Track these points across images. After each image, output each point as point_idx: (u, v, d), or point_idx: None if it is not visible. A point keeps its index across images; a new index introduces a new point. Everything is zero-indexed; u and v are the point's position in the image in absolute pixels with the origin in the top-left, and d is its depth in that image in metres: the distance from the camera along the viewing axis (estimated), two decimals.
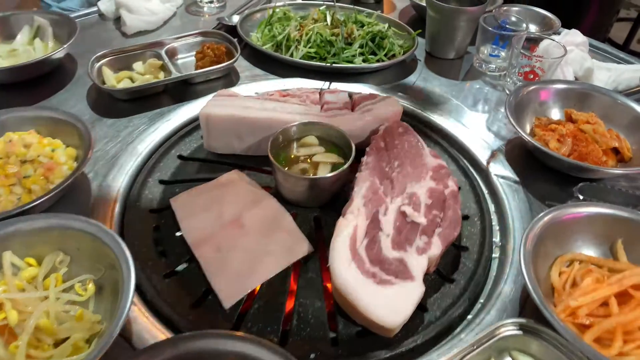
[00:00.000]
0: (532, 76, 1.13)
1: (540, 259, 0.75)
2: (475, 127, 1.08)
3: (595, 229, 0.79)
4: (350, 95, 1.04)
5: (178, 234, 0.81)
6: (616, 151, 0.98)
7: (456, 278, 0.79)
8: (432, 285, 0.77)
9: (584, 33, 2.62)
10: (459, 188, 0.94)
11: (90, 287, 0.70)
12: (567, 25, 2.56)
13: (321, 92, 1.03)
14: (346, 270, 0.69)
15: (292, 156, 0.87)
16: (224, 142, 0.94)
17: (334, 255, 0.71)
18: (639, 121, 1.00)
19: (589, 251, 0.79)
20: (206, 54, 1.19)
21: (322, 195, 0.85)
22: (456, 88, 1.21)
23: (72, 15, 1.43)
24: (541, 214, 0.76)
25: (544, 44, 1.18)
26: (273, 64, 1.25)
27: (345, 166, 0.82)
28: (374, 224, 0.76)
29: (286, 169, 0.83)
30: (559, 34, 1.43)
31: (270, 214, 0.82)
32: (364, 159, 0.85)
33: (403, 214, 0.78)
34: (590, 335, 0.65)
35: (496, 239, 0.86)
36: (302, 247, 0.77)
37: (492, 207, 0.91)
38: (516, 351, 0.66)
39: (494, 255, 0.83)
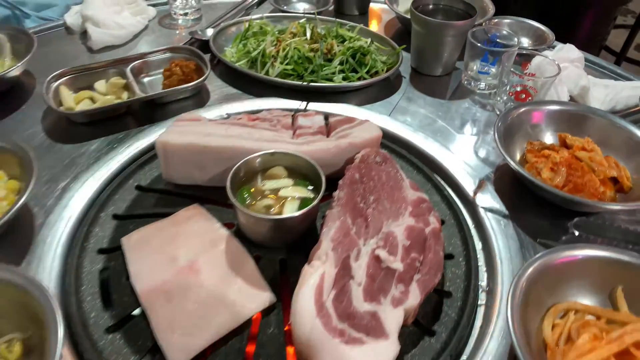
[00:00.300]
0: (523, 96, 1.05)
1: (532, 309, 0.67)
2: (462, 152, 1.00)
3: (593, 275, 0.70)
4: (327, 117, 0.96)
5: (127, 279, 0.72)
6: (615, 180, 0.90)
7: (437, 330, 0.70)
8: (409, 339, 0.68)
9: (580, 41, 2.54)
10: (443, 222, 0.86)
11: (17, 349, 0.61)
12: (562, 34, 2.48)
13: (294, 115, 0.95)
14: (310, 329, 0.60)
15: (257, 190, 0.78)
16: (184, 173, 0.86)
17: (296, 310, 0.62)
18: (638, 147, 0.92)
19: (586, 299, 0.71)
20: (174, 72, 1.10)
21: (288, 236, 0.76)
22: (442, 108, 1.13)
23: (40, 27, 1.36)
24: (532, 259, 0.68)
25: (537, 60, 1.10)
26: (247, 82, 1.17)
27: (314, 203, 0.73)
28: (344, 271, 0.67)
29: (248, 205, 0.75)
30: (553, 47, 1.35)
31: (229, 258, 0.73)
32: (336, 193, 0.77)
33: (377, 259, 0.69)
34: None
35: (483, 282, 0.77)
36: (262, 298, 0.69)
37: (478, 245, 0.83)
38: None
39: (479, 302, 0.74)
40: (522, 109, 0.97)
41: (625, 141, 0.94)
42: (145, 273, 0.71)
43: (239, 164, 0.76)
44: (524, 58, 1.12)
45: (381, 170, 0.82)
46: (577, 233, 0.83)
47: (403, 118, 1.09)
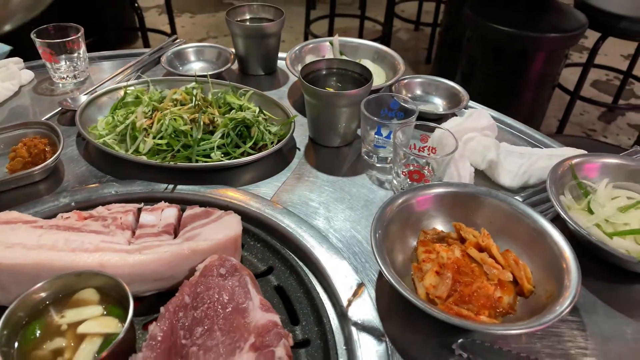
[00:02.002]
0: (417, 176, 0.92)
1: None
2: (347, 245, 0.86)
3: None
4: (184, 211, 0.81)
5: None
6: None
7: None
8: None
9: (532, 81, 2.53)
10: (308, 343, 0.71)
11: None
12: (514, 74, 2.50)
13: (139, 209, 0.80)
14: None
15: (51, 325, 0.62)
16: None
17: None
18: (542, 238, 0.79)
19: None
20: (19, 153, 0.94)
21: None
22: (335, 186, 1.00)
23: None
24: None
25: (437, 133, 0.98)
26: (114, 161, 1.01)
27: (116, 341, 0.57)
28: None
29: (34, 348, 0.58)
30: (466, 108, 1.25)
31: None
32: (152, 327, 0.61)
33: None
34: None
35: None
36: None
37: None
38: None
39: None
40: (407, 196, 0.83)
41: (527, 231, 0.81)
42: None
43: (14, 304, 0.59)
44: (424, 129, 0.99)
45: (223, 288, 0.67)
46: (464, 355, 0.68)
47: (286, 202, 0.94)
